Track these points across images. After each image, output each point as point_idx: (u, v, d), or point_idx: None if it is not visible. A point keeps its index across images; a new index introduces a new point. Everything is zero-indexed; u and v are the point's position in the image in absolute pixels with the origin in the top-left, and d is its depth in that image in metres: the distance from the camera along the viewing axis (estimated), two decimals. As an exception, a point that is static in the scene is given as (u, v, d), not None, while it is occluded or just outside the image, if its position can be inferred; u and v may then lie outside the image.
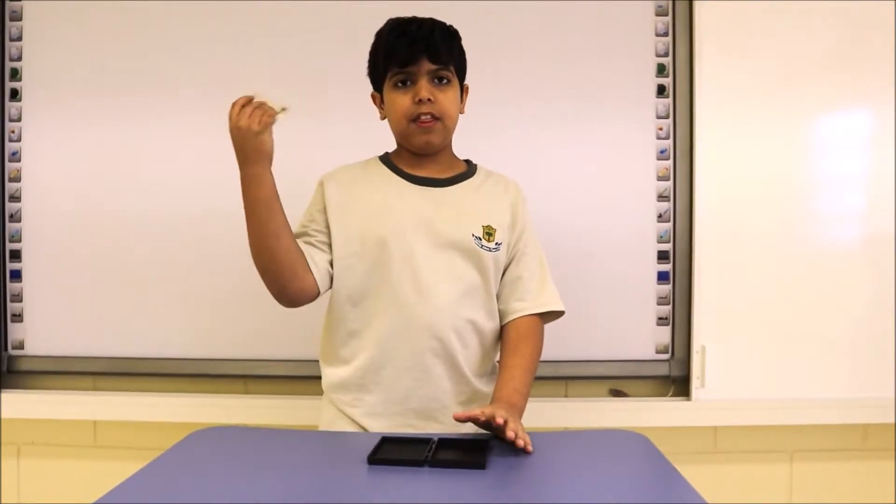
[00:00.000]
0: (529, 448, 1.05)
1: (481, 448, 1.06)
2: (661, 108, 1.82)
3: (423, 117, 1.24)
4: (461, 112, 1.32)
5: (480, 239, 1.27)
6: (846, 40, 1.79)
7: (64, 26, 1.81)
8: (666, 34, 1.83)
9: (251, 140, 1.15)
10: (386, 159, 1.35)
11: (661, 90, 1.82)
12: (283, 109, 1.17)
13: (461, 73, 1.31)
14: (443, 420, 1.25)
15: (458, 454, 1.05)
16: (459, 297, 1.25)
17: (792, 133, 1.80)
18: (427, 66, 1.23)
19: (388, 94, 1.27)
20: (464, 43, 1.31)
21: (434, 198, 1.29)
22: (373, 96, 1.34)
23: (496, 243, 1.28)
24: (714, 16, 1.78)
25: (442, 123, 1.26)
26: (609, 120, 1.81)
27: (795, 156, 1.80)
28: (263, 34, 1.80)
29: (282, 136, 1.78)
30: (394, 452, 1.05)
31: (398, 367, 1.24)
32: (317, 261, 1.26)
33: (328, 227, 1.28)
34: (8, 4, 1.83)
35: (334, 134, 1.77)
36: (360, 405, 1.26)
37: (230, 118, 1.15)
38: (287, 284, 1.23)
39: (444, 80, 1.26)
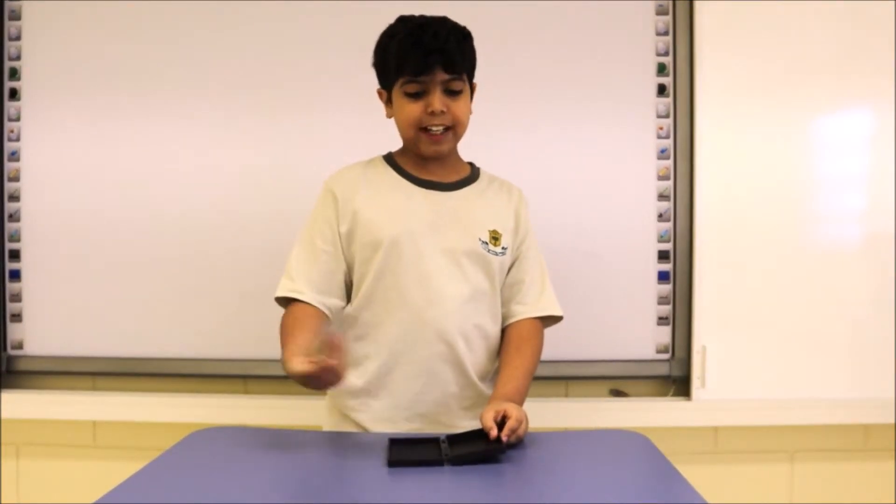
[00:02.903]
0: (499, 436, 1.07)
1: (494, 441, 1.06)
2: (662, 107, 1.82)
3: (434, 129, 1.23)
4: (470, 113, 1.29)
5: (487, 244, 1.27)
6: (846, 40, 1.79)
7: (63, 26, 1.81)
8: (666, 33, 1.82)
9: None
10: (390, 160, 1.33)
11: (661, 89, 1.82)
12: None
13: (472, 74, 1.29)
14: (447, 423, 1.25)
15: (474, 448, 1.06)
16: (467, 302, 1.25)
17: (792, 132, 1.80)
18: (441, 76, 1.20)
19: (398, 99, 1.25)
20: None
21: (441, 202, 1.28)
22: (379, 92, 1.31)
23: (502, 248, 1.28)
24: (714, 15, 1.77)
25: (453, 132, 1.26)
26: (609, 119, 1.81)
27: (796, 155, 1.80)
28: (264, 33, 1.80)
29: (279, 137, 1.80)
30: (408, 453, 1.05)
31: (407, 373, 1.24)
32: (333, 308, 1.26)
33: (339, 237, 1.26)
34: (7, 4, 1.82)
35: (338, 133, 1.77)
36: (367, 410, 1.26)
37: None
38: None
39: (458, 92, 1.23)
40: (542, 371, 1.77)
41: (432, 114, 1.21)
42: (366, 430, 1.26)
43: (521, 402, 1.21)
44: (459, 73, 1.23)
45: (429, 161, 1.29)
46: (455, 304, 1.23)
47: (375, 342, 1.25)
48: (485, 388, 1.29)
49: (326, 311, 1.26)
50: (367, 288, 1.25)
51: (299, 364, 1.04)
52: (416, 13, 1.26)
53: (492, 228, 1.28)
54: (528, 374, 1.26)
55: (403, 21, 1.25)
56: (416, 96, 1.22)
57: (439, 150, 1.27)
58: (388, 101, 1.28)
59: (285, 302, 1.27)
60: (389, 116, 1.29)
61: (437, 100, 1.21)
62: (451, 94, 1.23)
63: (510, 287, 1.32)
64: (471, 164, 1.37)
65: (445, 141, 1.26)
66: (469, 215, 1.28)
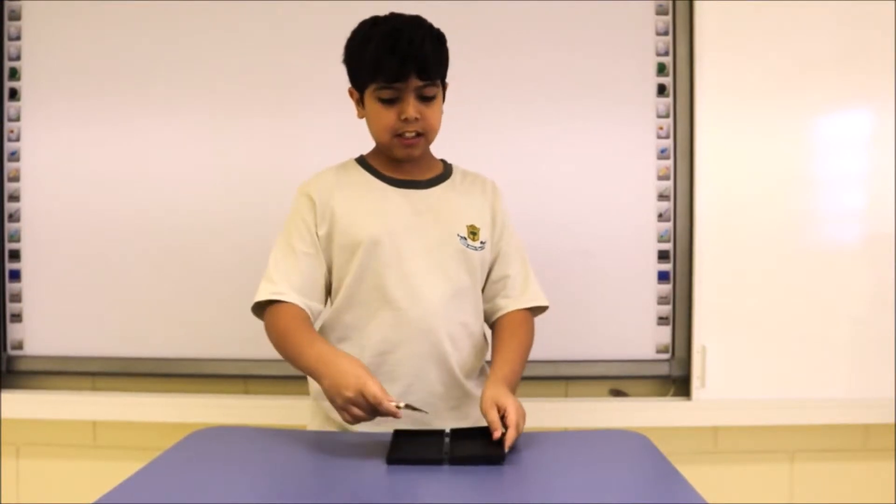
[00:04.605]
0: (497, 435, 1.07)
1: (496, 442, 1.06)
2: (662, 107, 1.82)
3: (407, 134, 1.22)
4: (441, 115, 1.28)
5: (466, 239, 1.27)
6: (846, 40, 1.79)
7: (63, 26, 1.81)
8: (666, 33, 1.82)
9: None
10: (363, 162, 1.33)
11: (661, 89, 1.82)
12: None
13: (445, 76, 1.27)
14: (433, 425, 1.23)
15: (476, 449, 1.06)
16: (451, 300, 1.24)
17: (792, 132, 1.80)
18: (415, 83, 1.19)
19: (371, 103, 1.23)
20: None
21: (418, 200, 1.28)
22: (350, 92, 1.29)
23: (481, 242, 1.28)
24: (714, 15, 1.77)
25: (425, 138, 1.25)
26: (609, 119, 1.81)
27: (796, 155, 1.80)
28: (264, 33, 1.80)
29: (280, 136, 1.80)
30: (410, 450, 1.05)
31: (392, 374, 1.23)
32: (314, 310, 1.24)
33: (319, 240, 1.25)
34: (7, 4, 1.82)
35: (341, 131, 1.76)
36: None
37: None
38: None
39: (431, 97, 1.22)
40: (543, 371, 1.79)
41: (406, 120, 1.21)
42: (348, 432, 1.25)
43: (516, 385, 1.21)
44: (434, 78, 1.21)
45: (402, 161, 1.29)
46: (438, 302, 1.23)
47: (359, 344, 1.24)
48: (471, 387, 1.28)
49: (310, 313, 1.23)
50: (347, 290, 1.24)
51: (385, 397, 1.05)
52: (414, 12, 1.25)
53: (469, 224, 1.28)
54: (523, 357, 1.26)
55: (377, 23, 1.23)
56: (389, 102, 1.21)
57: (412, 154, 1.26)
58: (360, 102, 1.27)
59: (259, 308, 1.25)
60: (361, 117, 1.28)
61: (411, 107, 1.20)
62: (425, 99, 1.22)
63: (495, 283, 1.32)
64: (443, 160, 1.37)
65: (418, 146, 1.25)
66: (446, 212, 1.28)
